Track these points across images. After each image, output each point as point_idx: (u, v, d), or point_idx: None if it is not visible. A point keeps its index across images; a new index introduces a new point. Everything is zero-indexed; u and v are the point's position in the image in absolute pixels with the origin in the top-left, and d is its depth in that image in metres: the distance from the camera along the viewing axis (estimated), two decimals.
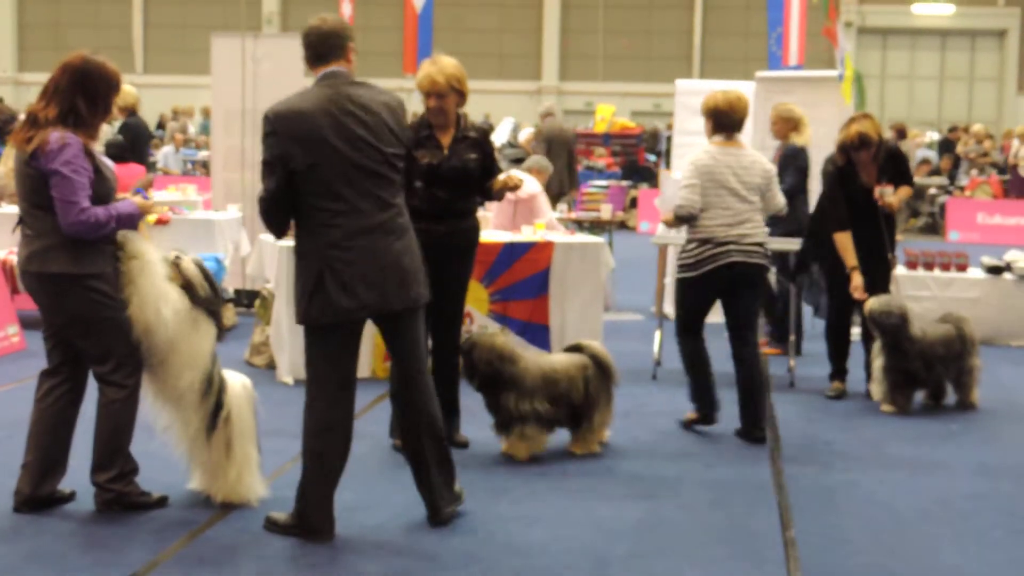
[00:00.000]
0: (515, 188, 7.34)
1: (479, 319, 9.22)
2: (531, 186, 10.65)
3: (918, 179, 21.78)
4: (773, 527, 6.02)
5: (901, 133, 21.06)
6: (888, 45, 41.31)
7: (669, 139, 21.03)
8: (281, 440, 7.17)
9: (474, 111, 25.57)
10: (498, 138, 26.12)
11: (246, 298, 11.84)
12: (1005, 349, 10.76)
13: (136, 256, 5.82)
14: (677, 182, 7.99)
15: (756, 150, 11.49)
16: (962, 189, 22.94)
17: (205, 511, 5.97)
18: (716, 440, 7.62)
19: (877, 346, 8.52)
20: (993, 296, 11.10)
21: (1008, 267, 11.20)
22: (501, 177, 7.25)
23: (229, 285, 11.51)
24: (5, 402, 8.02)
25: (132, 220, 5.85)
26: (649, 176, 24.70)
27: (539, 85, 41.78)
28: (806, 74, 12.94)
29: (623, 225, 19.87)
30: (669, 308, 11.42)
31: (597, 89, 39.00)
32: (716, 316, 7.88)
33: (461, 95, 7.06)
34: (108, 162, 6.01)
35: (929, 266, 11.19)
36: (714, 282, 7.63)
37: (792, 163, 10.01)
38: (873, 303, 8.40)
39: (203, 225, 11.02)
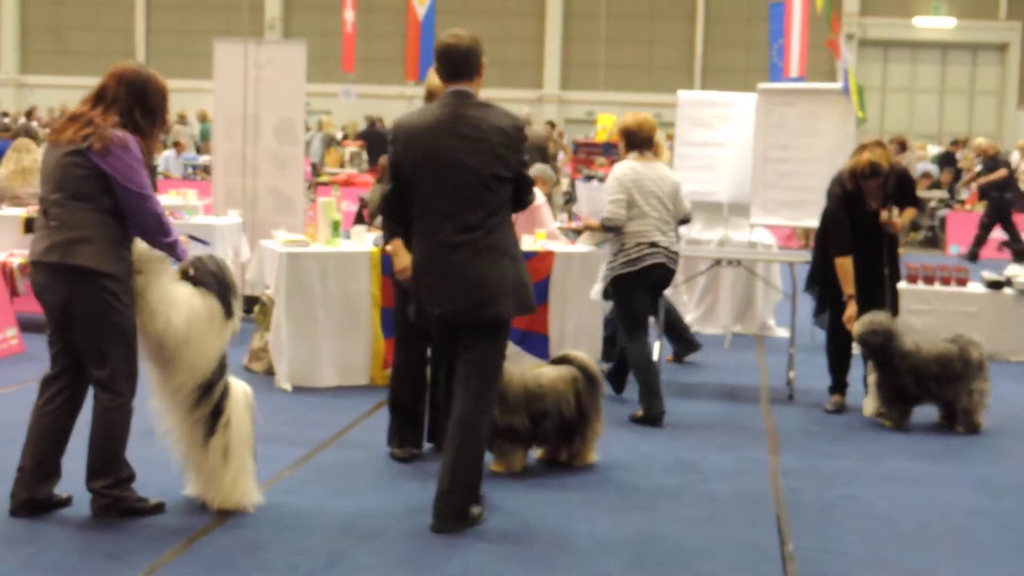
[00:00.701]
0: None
1: None
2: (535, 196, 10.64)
3: (918, 192, 21.80)
4: (772, 541, 6.00)
5: (902, 146, 21.00)
6: (889, 58, 41.38)
7: (670, 149, 21.03)
8: (279, 446, 7.16)
9: None
10: None
11: (245, 304, 11.80)
12: (1005, 364, 10.73)
13: (144, 268, 5.84)
14: (594, 191, 8.43)
15: (759, 161, 11.57)
16: (962, 203, 22.94)
17: (202, 517, 5.94)
18: (714, 453, 7.60)
19: (872, 362, 8.53)
20: (993, 311, 11.08)
21: (1008, 282, 11.19)
22: None
23: None
24: (4, 405, 7.99)
25: (183, 251, 5.93)
26: None
27: (540, 94, 41.82)
28: (808, 86, 12.95)
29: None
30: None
31: (598, 98, 39.04)
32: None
33: None
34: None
35: (929, 280, 11.18)
36: (649, 278, 8.35)
37: None
38: (858, 324, 8.41)
39: (203, 230, 10.97)
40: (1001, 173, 20.53)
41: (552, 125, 27.90)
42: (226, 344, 6.04)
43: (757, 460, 7.47)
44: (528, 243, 9.55)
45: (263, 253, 9.62)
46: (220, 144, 12.19)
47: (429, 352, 7.12)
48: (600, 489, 6.75)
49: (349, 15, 29.43)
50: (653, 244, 8.29)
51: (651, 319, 8.80)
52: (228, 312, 6.04)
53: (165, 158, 23.78)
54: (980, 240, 20.26)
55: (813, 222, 10.34)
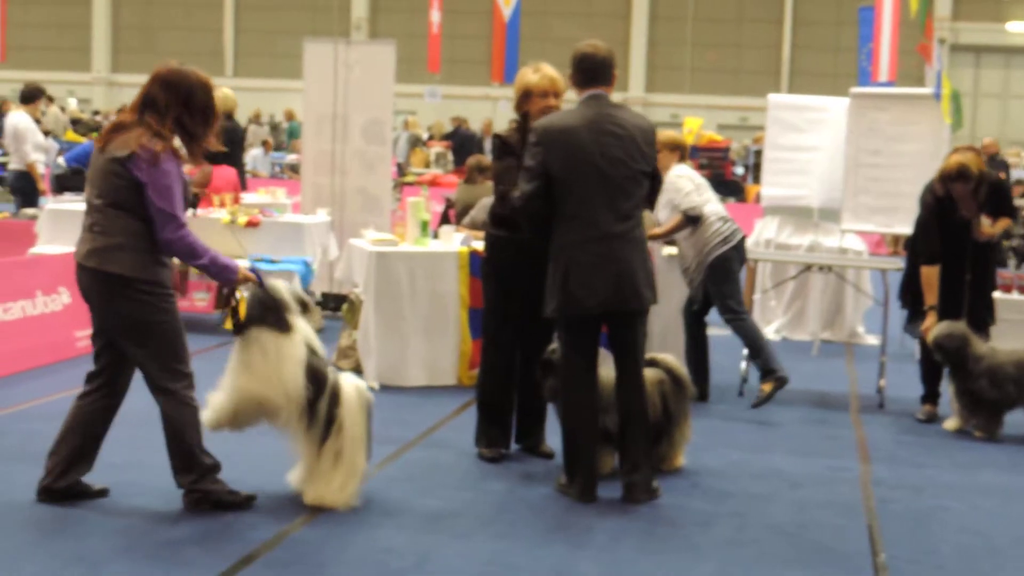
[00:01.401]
0: None
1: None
2: None
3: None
4: (863, 551, 5.91)
5: (992, 157, 20.49)
6: (981, 63, 40.81)
7: (758, 153, 20.88)
8: None
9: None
10: None
11: (333, 302, 11.90)
12: None
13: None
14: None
15: (850, 166, 11.45)
16: None
17: (292, 513, 5.97)
18: (804, 460, 7.52)
19: (947, 372, 8.41)
20: None
21: None
22: None
23: (316, 288, 11.59)
24: None
25: (223, 274, 5.93)
26: (736, 190, 24.53)
27: (625, 96, 41.69)
28: (902, 91, 12.78)
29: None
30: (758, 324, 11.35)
31: (683, 101, 38.87)
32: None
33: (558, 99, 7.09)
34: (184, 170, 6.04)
35: (1007, 288, 10.97)
36: (743, 252, 8.88)
37: None
38: (935, 330, 8.29)
39: (292, 228, 11.08)
40: None
41: None
42: (302, 355, 6.03)
43: (847, 469, 7.38)
44: None
45: (352, 252, 9.67)
46: (309, 143, 12.27)
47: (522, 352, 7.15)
48: (688, 494, 6.69)
49: (436, 16, 29.57)
50: (726, 220, 8.78)
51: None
52: (285, 327, 6.05)
53: (253, 157, 24.01)
54: None
55: (905, 229, 10.23)
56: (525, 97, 6.97)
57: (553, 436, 7.31)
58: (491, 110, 33.36)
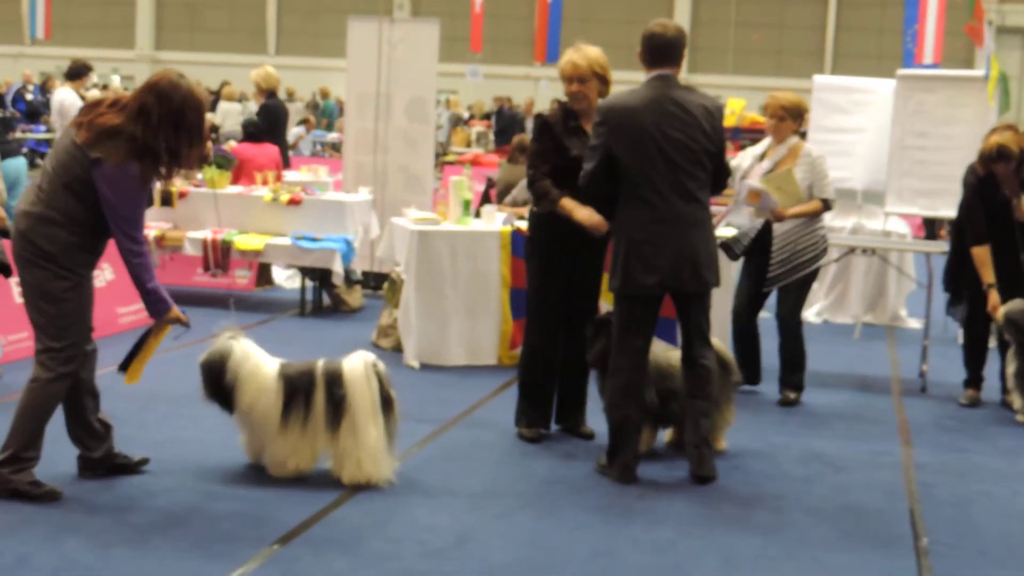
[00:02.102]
0: None
1: (605, 308, 9.15)
2: None
3: None
4: (905, 535, 5.88)
5: None
6: None
7: (802, 135, 20.73)
8: (407, 423, 7.14)
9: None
10: None
11: (374, 280, 11.93)
12: None
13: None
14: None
15: (895, 149, 11.36)
16: None
17: (332, 492, 5.99)
18: (845, 444, 7.48)
19: (1011, 352, 8.31)
20: None
21: None
22: None
23: (358, 267, 11.61)
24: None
25: (158, 306, 5.76)
26: None
27: None
28: (949, 73, 12.64)
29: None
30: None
31: (726, 82, 38.62)
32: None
33: (604, 82, 7.00)
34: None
35: None
36: None
37: None
38: (1009, 305, 8.21)
39: (334, 207, 11.10)
40: None
41: None
42: (268, 387, 6.08)
43: (889, 453, 7.34)
44: None
45: (394, 230, 9.67)
46: (352, 122, 12.28)
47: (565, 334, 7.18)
48: (729, 477, 6.66)
49: None
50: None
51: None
52: (233, 390, 6.08)
53: (295, 134, 24.05)
54: None
55: (950, 212, 10.14)
56: (572, 81, 7.00)
57: (593, 417, 7.32)
58: (532, 90, 33.27)
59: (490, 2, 33.82)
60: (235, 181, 11.75)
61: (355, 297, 11.29)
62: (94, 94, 26.09)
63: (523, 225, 9.14)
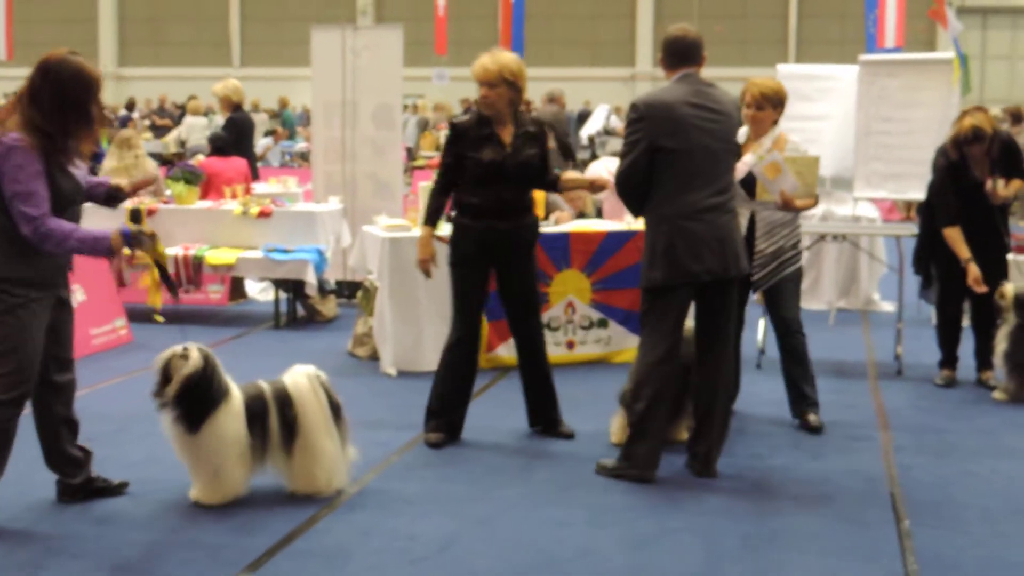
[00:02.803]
0: (602, 188, 7.42)
1: (581, 308, 9.19)
2: None
3: None
4: (887, 518, 5.91)
5: (1016, 117, 20.10)
6: (988, 25, 40.59)
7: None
8: (385, 432, 7.20)
9: (570, 98, 25.38)
10: (593, 125, 26.06)
11: (348, 289, 11.92)
12: None
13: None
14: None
15: (861, 134, 11.42)
16: None
17: (312, 505, 5.98)
18: (824, 430, 7.50)
19: (1002, 332, 8.33)
20: None
21: None
22: (589, 173, 7.24)
23: (331, 277, 11.60)
24: (114, 396, 8.11)
25: (98, 246, 5.40)
26: None
27: (633, 71, 41.63)
28: (911, 57, 12.71)
29: None
30: None
31: None
32: None
33: (516, 90, 6.96)
34: (78, 170, 5.58)
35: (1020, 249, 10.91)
36: None
37: None
38: (1009, 287, 8.26)
39: (305, 217, 11.08)
40: None
41: None
42: (239, 416, 5.91)
43: (868, 437, 7.37)
44: (631, 222, 9.50)
45: (365, 238, 9.67)
46: (319, 131, 12.26)
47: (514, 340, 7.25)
48: None
49: None
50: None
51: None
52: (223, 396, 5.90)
53: (262, 145, 24.00)
54: None
55: (918, 195, 10.19)
56: (484, 87, 7.00)
57: (572, 416, 7.33)
58: None
59: (453, 4, 33.84)
60: (204, 196, 11.72)
61: (329, 307, 11.28)
62: None
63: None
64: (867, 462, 6.85)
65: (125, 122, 28.39)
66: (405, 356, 8.94)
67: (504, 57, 6.98)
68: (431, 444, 7.06)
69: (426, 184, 9.50)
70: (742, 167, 7.29)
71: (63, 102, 5.34)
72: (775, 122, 7.58)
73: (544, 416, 7.38)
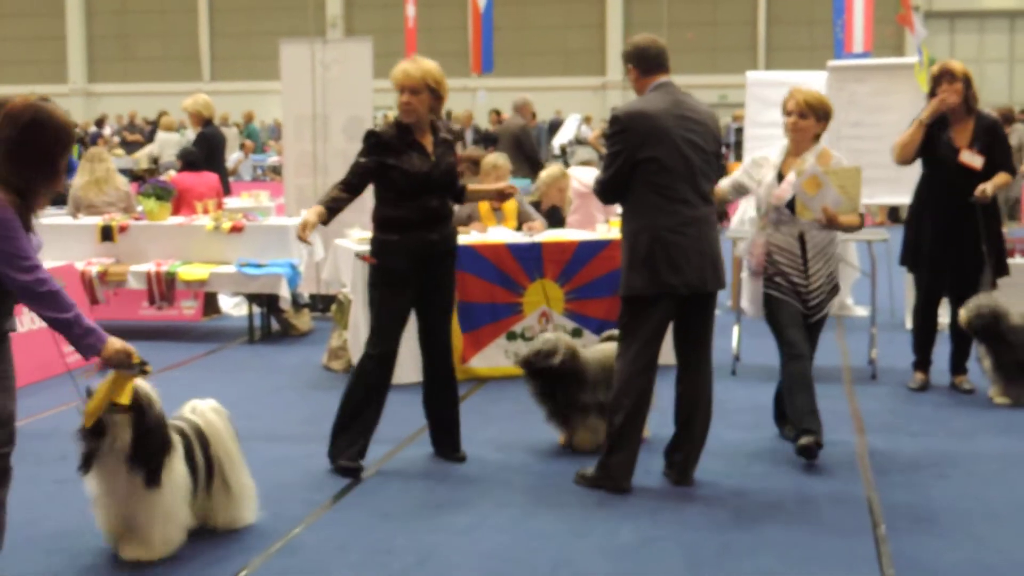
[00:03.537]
0: (509, 196, 7.29)
1: (556, 318, 9.19)
2: None
3: None
4: (863, 523, 5.93)
5: (1007, 118, 19.78)
6: (956, 28, 40.84)
7: (739, 131, 20.87)
8: None
9: (541, 108, 25.30)
10: (564, 135, 26.06)
11: (322, 303, 11.89)
12: None
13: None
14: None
15: (831, 139, 11.44)
16: None
17: (291, 519, 5.96)
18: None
19: (983, 349, 8.35)
20: None
21: None
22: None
23: (304, 290, 11.57)
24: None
25: (86, 341, 4.72)
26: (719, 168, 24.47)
27: (604, 80, 41.71)
28: (879, 62, 12.77)
29: None
30: (746, 303, 11.33)
31: None
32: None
33: (437, 97, 6.79)
34: (35, 237, 4.70)
35: (1010, 253, 10.95)
36: None
37: None
38: (963, 313, 8.25)
39: (277, 231, 11.05)
40: None
41: None
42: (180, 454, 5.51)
43: (843, 442, 7.39)
44: (604, 231, 9.52)
45: (338, 252, 9.65)
46: (290, 145, 12.25)
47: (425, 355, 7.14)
48: None
49: (411, 10, 29.50)
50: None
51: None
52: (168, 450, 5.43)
53: (234, 160, 23.94)
54: None
55: (887, 199, 10.23)
56: (404, 91, 6.80)
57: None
58: (470, 101, 33.32)
59: (423, 16, 33.79)
60: (176, 212, 11.69)
61: (304, 321, 11.25)
62: None
63: (473, 239, 9.17)
64: (844, 467, 6.87)
65: (96, 139, 28.30)
66: None
67: (426, 63, 6.80)
68: (347, 471, 6.74)
69: None
70: (787, 188, 6.96)
71: (31, 156, 4.55)
72: (818, 136, 7.11)
73: (447, 443, 7.14)
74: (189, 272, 10.66)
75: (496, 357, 9.14)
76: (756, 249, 7.08)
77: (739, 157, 20.96)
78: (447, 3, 39.79)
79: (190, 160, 12.46)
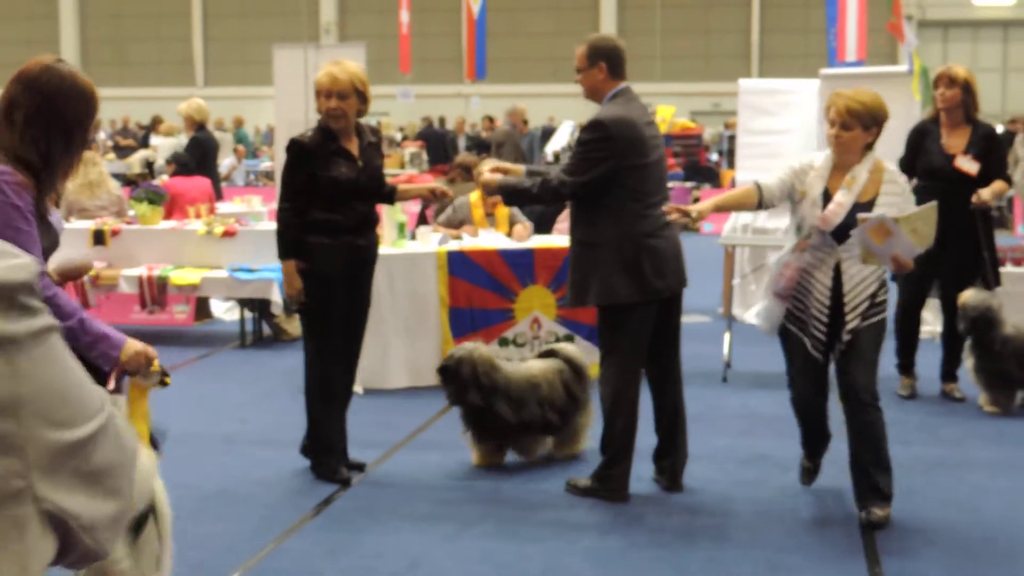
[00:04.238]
0: (443, 196, 7.19)
1: (547, 324, 9.19)
2: None
3: None
4: (853, 532, 5.93)
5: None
6: (949, 38, 40.94)
7: (731, 138, 20.91)
8: (353, 450, 7.15)
9: (534, 114, 25.28)
10: (558, 141, 26.08)
11: None
12: None
13: None
14: None
15: (823, 147, 11.47)
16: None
17: (281, 524, 5.96)
18: (790, 444, 7.50)
19: (968, 346, 8.36)
20: None
21: None
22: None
23: None
24: None
25: (105, 353, 4.12)
26: (711, 176, 24.57)
27: None
28: (871, 70, 12.80)
29: (686, 227, 19.80)
30: (737, 310, 11.37)
31: (656, 90, 38.84)
32: None
33: (364, 100, 6.64)
34: (53, 216, 4.19)
35: (1001, 261, 10.98)
36: None
37: None
38: (966, 295, 8.27)
39: (269, 236, 11.00)
40: None
41: None
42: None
43: (834, 450, 7.36)
44: None
45: None
46: (283, 150, 12.23)
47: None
48: None
49: (405, 16, 29.53)
50: None
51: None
52: None
53: (227, 165, 23.95)
54: None
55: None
56: (320, 95, 6.64)
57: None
58: (464, 107, 33.36)
59: (417, 22, 33.83)
60: (168, 216, 11.68)
61: (295, 326, 11.23)
62: None
63: (459, 244, 9.18)
64: (833, 475, 6.86)
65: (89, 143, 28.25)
66: (371, 374, 8.92)
67: (351, 66, 6.65)
68: (345, 481, 6.72)
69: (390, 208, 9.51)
70: (836, 210, 5.91)
71: (51, 125, 4.01)
72: (870, 146, 6.03)
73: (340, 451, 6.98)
74: (181, 276, 10.65)
75: None
76: (788, 271, 6.15)
77: (731, 165, 21.03)
78: (441, 9, 39.84)
79: (182, 164, 12.45)
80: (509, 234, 9.68)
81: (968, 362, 8.35)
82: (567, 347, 7.47)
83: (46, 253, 4.13)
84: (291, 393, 8.94)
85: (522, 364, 7.39)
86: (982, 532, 5.93)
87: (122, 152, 27.95)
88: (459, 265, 8.93)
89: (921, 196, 8.22)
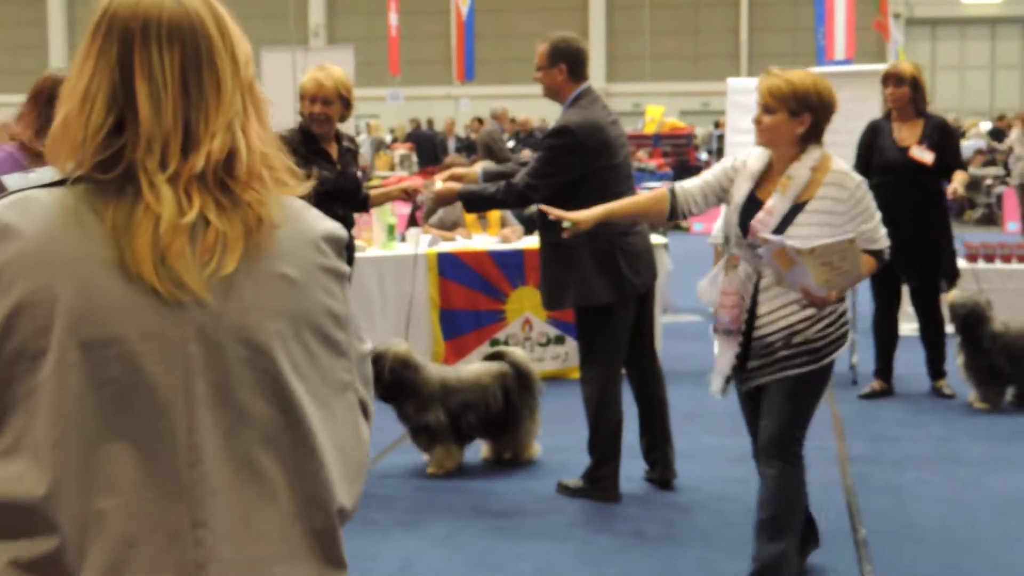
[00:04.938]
0: (416, 194, 7.17)
1: (539, 326, 9.21)
2: None
3: (973, 169, 21.43)
4: (843, 528, 5.96)
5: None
6: (937, 36, 41.05)
7: (721, 138, 20.95)
8: None
9: (525, 116, 25.30)
10: None
11: None
12: None
13: None
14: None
15: None
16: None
17: None
18: None
19: (958, 341, 8.39)
20: None
21: None
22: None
23: None
24: None
25: None
26: None
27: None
28: (856, 68, 12.83)
29: (677, 226, 19.83)
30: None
31: (645, 90, 38.95)
32: None
33: (348, 106, 6.62)
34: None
35: (990, 259, 11.04)
36: None
37: None
38: (953, 295, 8.32)
39: None
40: None
41: None
42: None
43: (824, 447, 7.41)
44: None
45: None
46: None
47: None
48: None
49: (393, 18, 29.55)
50: None
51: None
52: None
53: None
54: None
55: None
56: (303, 99, 6.59)
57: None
58: (454, 109, 33.38)
59: (405, 24, 33.85)
60: None
61: None
62: None
63: (453, 246, 9.19)
64: (824, 472, 6.89)
65: None
66: None
67: (336, 72, 6.61)
68: None
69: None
70: (764, 219, 4.81)
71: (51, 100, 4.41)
72: (811, 139, 4.97)
73: None
74: None
75: None
76: (728, 300, 5.03)
77: None
78: (429, 11, 39.87)
79: None
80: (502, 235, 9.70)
81: (958, 359, 8.38)
82: (515, 351, 7.31)
83: None
84: None
85: (451, 368, 7.30)
86: (972, 528, 5.96)
87: None
88: (450, 267, 8.95)
89: (877, 193, 8.22)
